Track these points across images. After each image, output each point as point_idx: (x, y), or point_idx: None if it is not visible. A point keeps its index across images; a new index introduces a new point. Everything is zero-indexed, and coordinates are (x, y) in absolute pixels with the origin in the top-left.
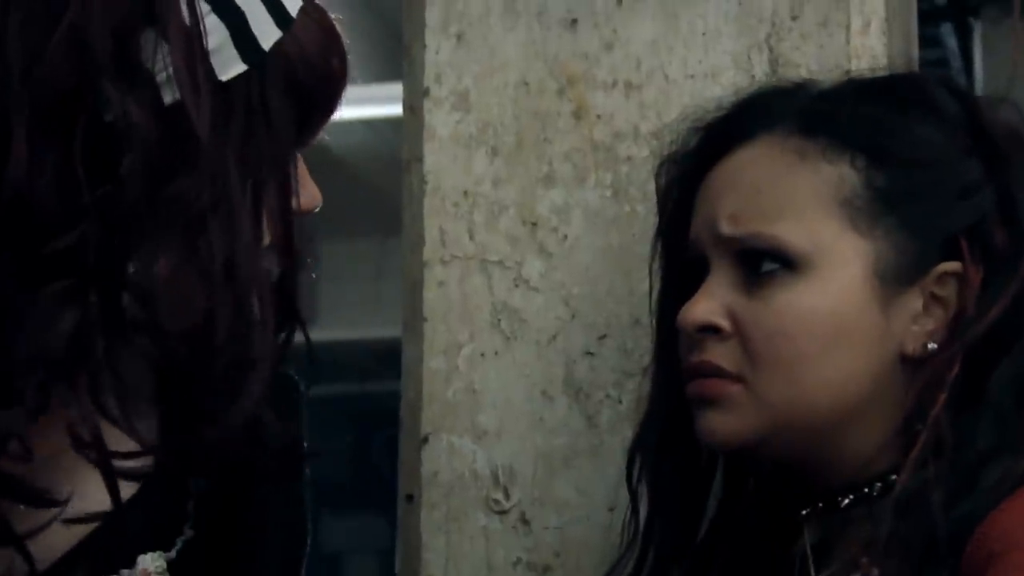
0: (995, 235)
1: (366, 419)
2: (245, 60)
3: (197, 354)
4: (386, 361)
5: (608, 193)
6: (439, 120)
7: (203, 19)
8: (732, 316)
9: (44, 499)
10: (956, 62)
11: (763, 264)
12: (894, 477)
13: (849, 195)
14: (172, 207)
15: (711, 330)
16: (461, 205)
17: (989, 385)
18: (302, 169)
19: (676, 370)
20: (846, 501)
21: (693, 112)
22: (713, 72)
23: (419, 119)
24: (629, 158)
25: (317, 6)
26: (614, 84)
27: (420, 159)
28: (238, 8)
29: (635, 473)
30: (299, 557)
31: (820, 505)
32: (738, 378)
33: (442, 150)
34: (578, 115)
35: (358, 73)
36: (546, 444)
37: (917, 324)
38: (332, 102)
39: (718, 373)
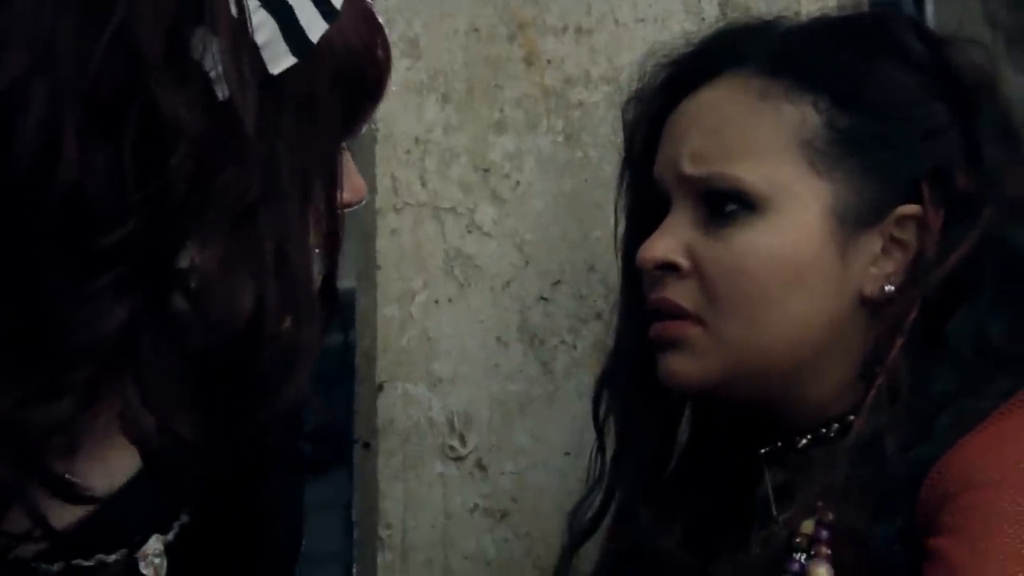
0: (958, 179)
1: (324, 371)
2: (295, 53)
3: (245, 346)
4: (342, 313)
5: (560, 139)
6: None
7: (251, 14)
8: (691, 254)
9: (85, 497)
10: (907, 3)
11: (724, 204)
12: (851, 418)
13: (810, 136)
14: (220, 201)
15: (670, 268)
16: (413, 152)
17: (948, 331)
18: (348, 161)
19: (642, 308)
20: (803, 441)
21: (660, 48)
22: (663, 16)
23: None
24: (581, 103)
25: None
26: (564, 29)
27: None
28: (285, 2)
29: (602, 410)
30: (296, 549)
31: (779, 444)
32: (697, 319)
33: (393, 97)
34: (529, 61)
35: None
36: (501, 390)
37: (876, 266)
38: (377, 92)
39: (677, 313)
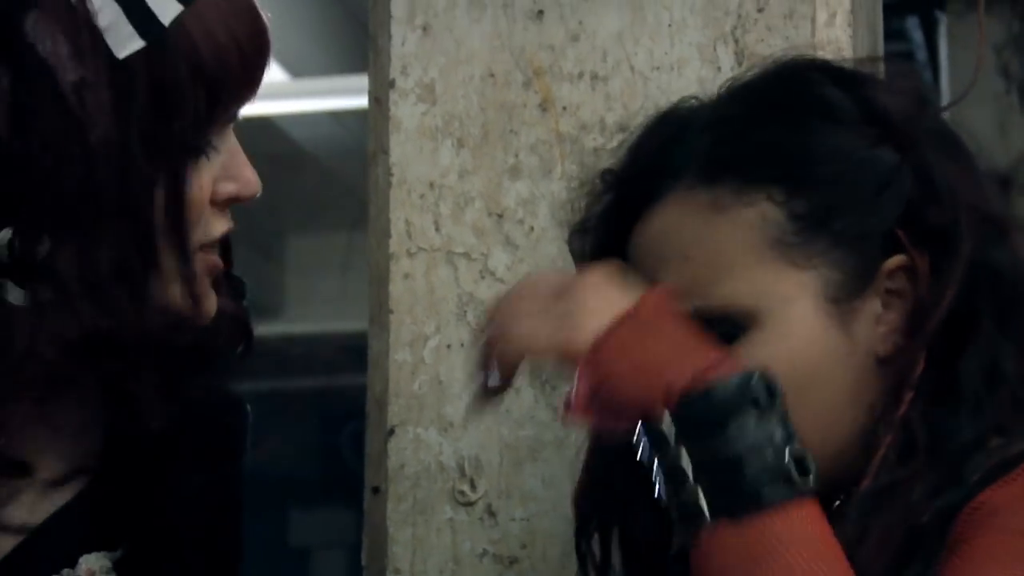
0: (927, 212)
1: (334, 413)
2: (143, 36)
3: (108, 338)
4: (353, 355)
5: (574, 185)
6: (405, 112)
7: None
8: None
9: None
10: (921, 55)
11: (717, 330)
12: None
13: (776, 233)
14: (69, 194)
15: None
16: (427, 197)
17: (959, 376)
18: (240, 155)
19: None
20: (837, 503)
21: (591, 179)
22: (679, 64)
23: (385, 111)
24: (595, 150)
25: None
26: (580, 76)
27: (386, 151)
28: None
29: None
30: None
31: None
32: None
33: (408, 142)
34: (544, 107)
35: (324, 65)
36: (512, 436)
37: (880, 324)
38: (245, 81)
39: None
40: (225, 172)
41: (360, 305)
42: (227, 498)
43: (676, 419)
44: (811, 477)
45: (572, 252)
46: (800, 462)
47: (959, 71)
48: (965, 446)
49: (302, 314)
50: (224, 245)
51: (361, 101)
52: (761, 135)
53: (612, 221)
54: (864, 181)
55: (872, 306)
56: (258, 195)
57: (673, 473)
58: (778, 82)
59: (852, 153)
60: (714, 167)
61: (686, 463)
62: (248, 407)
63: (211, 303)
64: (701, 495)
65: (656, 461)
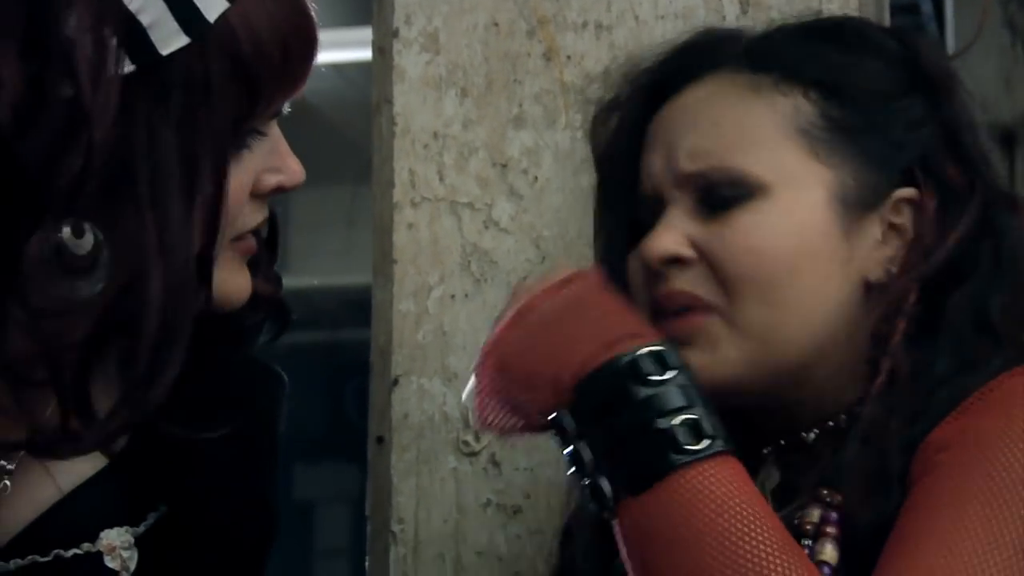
0: (945, 168)
1: (339, 367)
2: (188, 33)
3: (129, 319)
4: (358, 309)
5: (578, 135)
6: (409, 61)
7: None
8: (695, 245)
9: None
10: (927, 7)
11: (725, 193)
12: (860, 409)
13: (806, 125)
14: (83, 184)
15: (675, 261)
16: (431, 147)
17: (946, 311)
18: (283, 145)
19: None
20: (812, 435)
21: (625, 63)
22: (684, 13)
23: (388, 60)
24: (600, 100)
25: None
26: (584, 25)
27: (389, 101)
28: None
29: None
30: (264, 548)
31: (782, 443)
32: (712, 307)
33: (412, 91)
34: (548, 56)
35: (328, 17)
36: None
37: (878, 251)
38: (289, 77)
39: (692, 303)
40: (269, 163)
41: (364, 259)
42: (260, 472)
43: (571, 411)
44: (708, 439)
45: (594, 138)
46: (694, 426)
47: (964, 24)
48: (939, 379)
49: (306, 268)
50: (271, 225)
51: (364, 53)
52: (810, 44)
53: (643, 98)
54: (896, 113)
55: (873, 230)
56: (302, 183)
57: (579, 462)
58: (836, 19)
59: (890, 86)
60: (758, 57)
61: (586, 452)
62: (285, 379)
63: (244, 285)
64: (604, 481)
65: (566, 452)
